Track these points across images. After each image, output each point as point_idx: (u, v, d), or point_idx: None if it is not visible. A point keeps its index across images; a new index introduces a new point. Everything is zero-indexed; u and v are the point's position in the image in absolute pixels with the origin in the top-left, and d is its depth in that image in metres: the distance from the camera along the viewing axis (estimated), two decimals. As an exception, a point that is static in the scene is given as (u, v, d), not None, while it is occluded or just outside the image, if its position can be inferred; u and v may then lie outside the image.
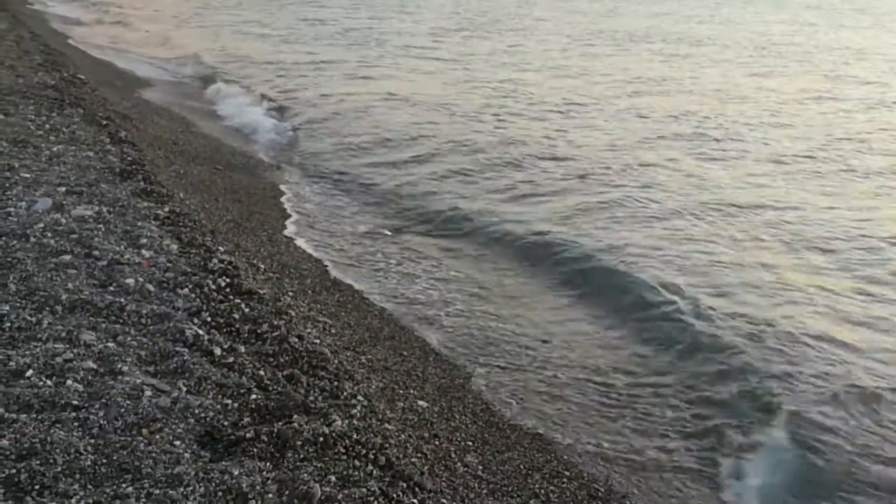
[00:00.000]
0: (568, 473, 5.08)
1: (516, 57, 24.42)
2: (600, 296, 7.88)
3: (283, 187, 11.14)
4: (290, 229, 9.40)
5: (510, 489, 4.63)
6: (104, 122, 9.89)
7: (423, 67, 21.88)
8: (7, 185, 6.68)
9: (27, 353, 4.06)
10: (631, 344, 6.94)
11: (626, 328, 7.24)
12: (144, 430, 3.57)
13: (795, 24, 36.67)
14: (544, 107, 17.28)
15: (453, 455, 4.73)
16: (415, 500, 3.62)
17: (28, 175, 7.01)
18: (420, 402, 5.40)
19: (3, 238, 5.50)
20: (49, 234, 5.68)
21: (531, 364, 6.47)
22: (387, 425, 4.49)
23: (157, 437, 3.54)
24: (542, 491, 4.73)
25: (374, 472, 3.71)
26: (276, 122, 15.32)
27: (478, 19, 34.21)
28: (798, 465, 5.24)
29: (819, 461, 5.25)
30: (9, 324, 4.36)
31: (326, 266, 8.26)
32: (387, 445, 4.06)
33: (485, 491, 4.45)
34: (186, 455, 3.45)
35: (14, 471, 3.14)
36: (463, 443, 4.98)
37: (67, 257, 5.34)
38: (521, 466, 4.96)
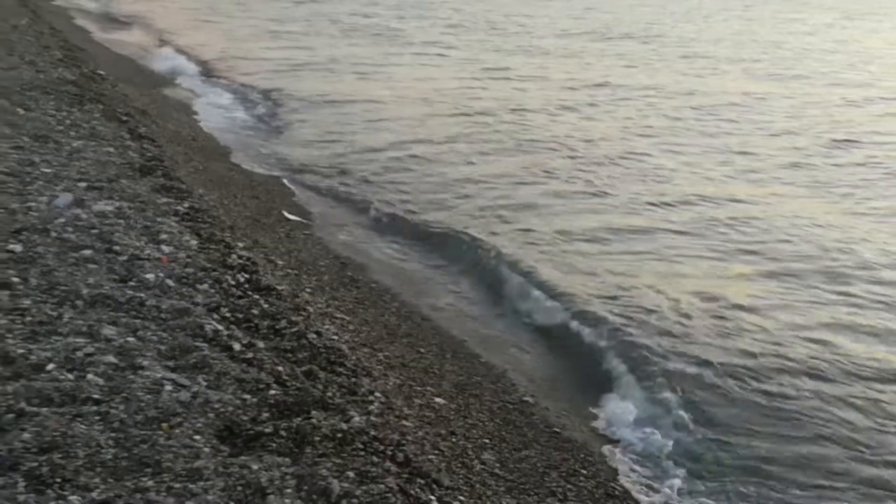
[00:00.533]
0: (585, 472, 5.07)
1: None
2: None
3: (291, 185, 11.15)
4: (306, 225, 9.42)
5: (527, 487, 4.63)
6: (124, 118, 9.95)
7: (439, 64, 21.85)
8: (28, 179, 6.73)
9: (48, 347, 4.10)
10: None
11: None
12: (164, 425, 3.59)
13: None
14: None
15: (470, 452, 4.73)
16: (432, 497, 3.62)
17: (49, 170, 7.07)
18: (437, 399, 5.40)
19: (25, 233, 5.54)
20: (70, 229, 5.72)
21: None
22: (404, 422, 4.49)
23: (177, 431, 3.55)
24: (560, 489, 4.73)
25: (392, 468, 3.71)
26: (264, 117, 15.32)
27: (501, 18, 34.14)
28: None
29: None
30: (30, 318, 4.39)
31: (343, 262, 8.28)
32: (404, 442, 4.06)
33: (502, 488, 4.45)
34: (206, 449, 3.46)
35: (36, 464, 3.17)
36: (480, 440, 4.98)
37: (88, 252, 5.38)
38: (538, 464, 4.95)
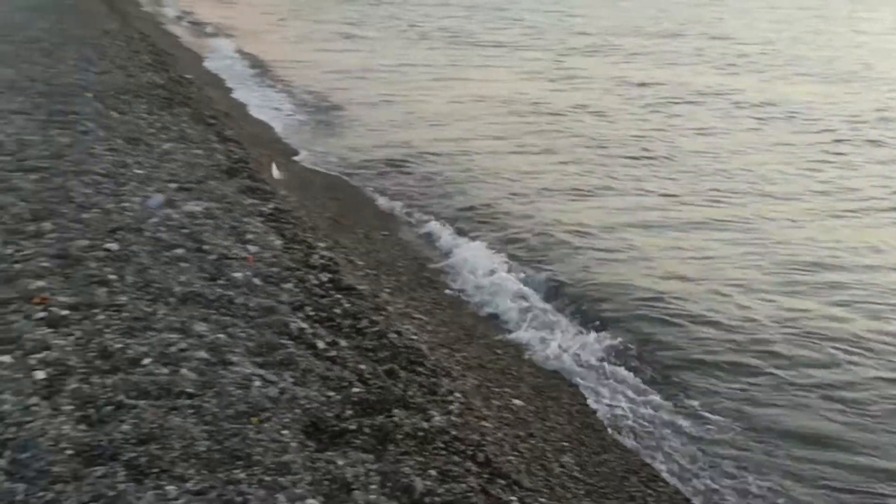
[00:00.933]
0: (665, 479, 5.01)
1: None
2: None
3: (364, 185, 11.26)
4: (383, 226, 9.54)
5: (607, 491, 4.60)
6: (211, 121, 10.28)
7: (512, 65, 21.78)
8: (122, 180, 7.03)
9: (144, 342, 4.28)
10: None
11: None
12: (254, 419, 3.70)
13: None
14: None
15: (549, 455, 4.73)
16: (513, 498, 3.64)
17: (141, 171, 7.36)
18: (515, 401, 5.41)
19: (121, 232, 5.79)
20: (162, 229, 5.96)
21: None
22: (483, 423, 4.51)
23: (266, 425, 3.67)
24: (640, 494, 4.68)
25: (473, 468, 3.75)
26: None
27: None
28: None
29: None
30: (126, 314, 4.59)
31: (421, 264, 8.36)
32: (484, 443, 4.09)
33: (581, 492, 4.43)
34: (293, 444, 3.56)
35: (135, 454, 3.32)
36: (559, 443, 4.97)
37: (180, 251, 5.59)
38: (618, 469, 4.92)
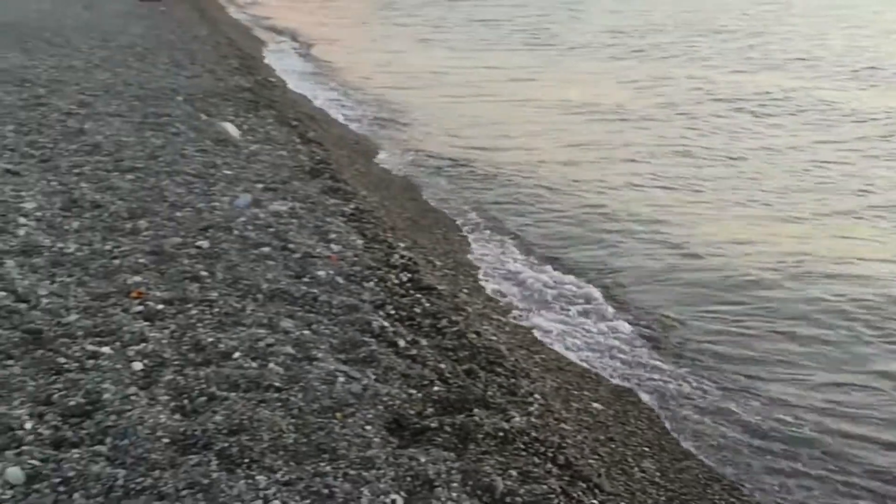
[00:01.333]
0: (749, 486, 4.91)
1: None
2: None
3: (438, 186, 11.29)
4: (463, 228, 9.59)
5: (688, 498, 4.53)
6: (294, 123, 10.54)
7: (594, 70, 21.53)
8: (212, 181, 7.28)
9: (234, 336, 4.44)
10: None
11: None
12: (338, 414, 3.80)
13: None
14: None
15: (630, 459, 4.69)
16: (595, 501, 3.63)
17: (230, 172, 7.61)
18: (595, 405, 5.38)
19: (212, 230, 6.01)
20: (250, 228, 6.15)
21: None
22: (563, 425, 4.51)
23: (350, 420, 3.75)
24: (723, 502, 4.60)
25: (554, 470, 3.76)
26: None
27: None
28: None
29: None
30: (217, 309, 4.77)
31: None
32: (565, 445, 4.09)
33: (662, 498, 4.38)
34: (377, 440, 3.64)
35: (227, 444, 3.45)
36: (639, 448, 4.92)
37: (266, 249, 5.77)
38: (700, 476, 4.83)
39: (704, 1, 39.05)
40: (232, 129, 8.96)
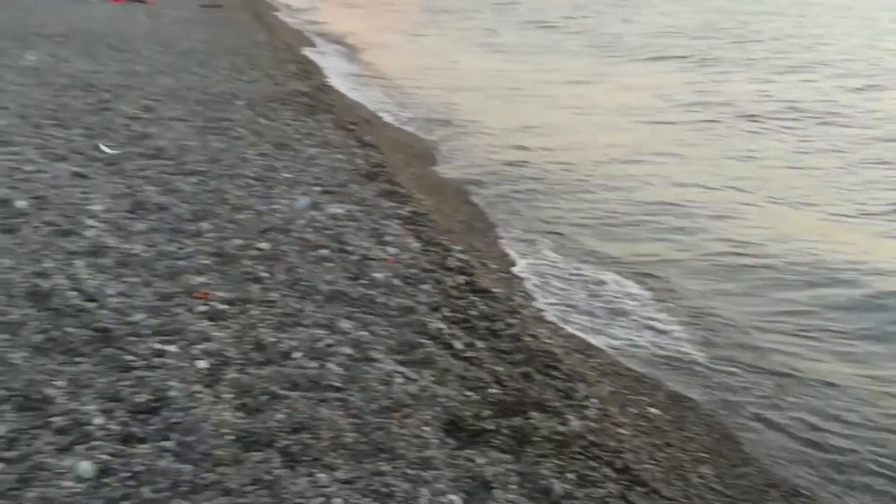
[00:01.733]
0: (808, 493, 4.81)
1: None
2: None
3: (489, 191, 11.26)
4: (515, 231, 9.57)
5: (747, 505, 4.48)
6: (351, 127, 10.66)
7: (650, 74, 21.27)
8: (271, 184, 7.42)
9: (294, 337, 4.52)
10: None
11: None
12: (396, 414, 3.84)
13: None
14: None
15: (687, 465, 4.64)
16: (653, 507, 3.61)
17: (289, 175, 7.74)
18: (651, 410, 5.34)
19: (271, 232, 6.13)
20: (308, 230, 6.26)
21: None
22: (620, 430, 4.49)
23: (408, 421, 3.80)
24: (782, 510, 4.53)
25: (611, 474, 3.75)
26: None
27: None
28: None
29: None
30: (278, 309, 4.87)
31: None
32: (622, 449, 4.08)
33: (720, 504, 4.34)
34: (434, 441, 3.67)
35: (288, 442, 3.52)
36: (697, 453, 4.86)
37: (325, 251, 5.86)
38: (759, 482, 4.76)
39: (760, 3, 38.32)
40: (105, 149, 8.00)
